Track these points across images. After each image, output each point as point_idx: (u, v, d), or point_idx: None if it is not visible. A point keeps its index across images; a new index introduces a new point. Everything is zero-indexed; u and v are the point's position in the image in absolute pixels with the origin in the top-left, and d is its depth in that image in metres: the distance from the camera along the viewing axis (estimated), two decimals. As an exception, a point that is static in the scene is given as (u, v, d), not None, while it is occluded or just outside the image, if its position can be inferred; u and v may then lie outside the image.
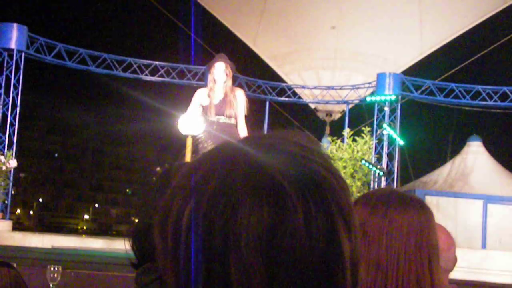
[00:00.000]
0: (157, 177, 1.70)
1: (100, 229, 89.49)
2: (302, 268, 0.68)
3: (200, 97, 7.84)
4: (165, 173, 1.72)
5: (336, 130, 19.41)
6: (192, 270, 0.69)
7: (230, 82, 7.80)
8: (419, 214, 1.62)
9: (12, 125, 15.83)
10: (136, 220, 1.71)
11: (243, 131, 7.72)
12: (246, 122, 7.84)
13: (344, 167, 15.62)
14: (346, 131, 17.19)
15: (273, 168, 0.71)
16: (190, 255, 0.69)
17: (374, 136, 17.25)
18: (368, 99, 18.12)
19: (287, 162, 0.72)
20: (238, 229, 0.68)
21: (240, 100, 7.75)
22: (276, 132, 0.78)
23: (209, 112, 7.68)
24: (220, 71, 7.73)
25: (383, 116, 17.65)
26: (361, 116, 19.36)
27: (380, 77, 17.66)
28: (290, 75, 20.98)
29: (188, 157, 7.88)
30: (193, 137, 7.77)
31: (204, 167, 0.73)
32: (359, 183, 15.79)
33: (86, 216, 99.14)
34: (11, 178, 15.07)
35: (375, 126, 17.62)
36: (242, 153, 0.73)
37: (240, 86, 18.23)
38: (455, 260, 2.13)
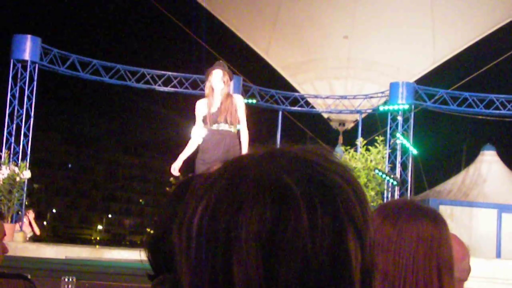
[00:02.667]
0: (174, 188, 1.71)
1: (113, 240, 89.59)
2: (304, 268, 0.68)
3: (200, 108, 7.88)
4: (183, 184, 1.73)
5: (349, 140, 19.38)
6: (200, 268, 0.70)
7: (226, 89, 7.83)
8: (430, 225, 1.61)
9: (26, 136, 15.91)
10: (151, 231, 1.72)
11: (245, 135, 7.74)
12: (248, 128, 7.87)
13: (358, 177, 15.57)
14: (359, 141, 17.15)
15: (282, 169, 0.71)
16: (200, 253, 0.70)
17: (388, 145, 17.20)
18: (381, 108, 18.08)
19: (301, 167, 0.72)
20: (240, 225, 0.68)
21: (239, 105, 7.78)
22: (296, 145, 0.78)
23: (209, 121, 7.72)
24: (218, 78, 7.77)
25: (396, 126, 17.61)
26: (374, 125, 19.34)
27: (393, 86, 17.62)
28: (303, 84, 20.99)
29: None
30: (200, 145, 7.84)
31: (217, 172, 0.74)
32: (372, 193, 15.75)
33: (100, 227, 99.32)
34: (25, 189, 15.12)
35: (388, 135, 17.57)
36: (256, 159, 0.74)
37: (253, 96, 18.29)
38: (469, 270, 2.12)
